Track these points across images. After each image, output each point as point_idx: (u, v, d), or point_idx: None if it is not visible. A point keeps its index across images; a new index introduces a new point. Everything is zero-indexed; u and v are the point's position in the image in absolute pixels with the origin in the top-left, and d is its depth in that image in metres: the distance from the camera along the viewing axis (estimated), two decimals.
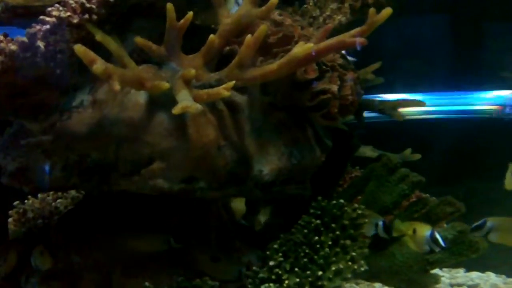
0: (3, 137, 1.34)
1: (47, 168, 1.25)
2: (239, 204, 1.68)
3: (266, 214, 1.76)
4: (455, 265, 2.20)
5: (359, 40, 1.14)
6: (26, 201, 1.89)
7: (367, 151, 1.86)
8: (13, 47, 1.11)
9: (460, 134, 2.36)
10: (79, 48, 1.05)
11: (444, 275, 2.12)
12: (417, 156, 1.90)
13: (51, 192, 1.91)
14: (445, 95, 2.53)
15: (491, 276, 2.19)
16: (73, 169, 1.25)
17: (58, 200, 1.91)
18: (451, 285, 2.09)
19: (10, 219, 1.79)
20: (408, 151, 1.90)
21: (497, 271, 2.19)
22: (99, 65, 1.05)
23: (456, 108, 2.52)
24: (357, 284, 2.01)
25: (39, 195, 1.91)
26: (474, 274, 2.19)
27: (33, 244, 1.48)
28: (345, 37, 1.15)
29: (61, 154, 1.24)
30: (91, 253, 1.38)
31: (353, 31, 1.16)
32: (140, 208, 1.40)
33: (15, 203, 1.85)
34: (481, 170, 2.33)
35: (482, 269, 2.19)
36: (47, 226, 1.74)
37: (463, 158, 2.39)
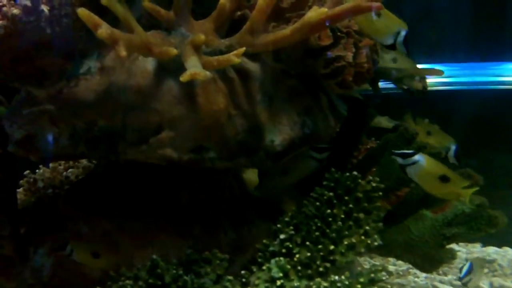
0: (11, 104, 1.31)
1: (54, 136, 1.23)
2: (251, 175, 1.65)
3: None
4: (472, 240, 2.18)
5: (375, 5, 1.09)
6: (37, 170, 1.89)
7: (383, 121, 1.82)
8: (15, 11, 1.08)
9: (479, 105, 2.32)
10: (82, 12, 1.01)
11: (461, 249, 2.10)
12: None
13: (63, 162, 1.90)
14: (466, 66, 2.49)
15: (508, 252, 2.17)
16: (81, 137, 1.22)
17: (69, 170, 1.90)
18: (467, 260, 2.07)
19: (20, 189, 1.78)
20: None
21: None
22: (104, 30, 1.01)
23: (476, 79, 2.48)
24: (371, 258, 1.99)
25: (51, 165, 1.90)
26: (491, 249, 2.17)
27: (42, 214, 1.48)
28: (360, 1, 1.10)
29: (68, 122, 1.21)
30: (99, 223, 1.36)
31: None
32: (150, 179, 1.38)
33: (26, 172, 1.84)
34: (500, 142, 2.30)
35: (499, 244, 2.17)
36: (57, 196, 1.72)
37: (482, 129, 2.35)
